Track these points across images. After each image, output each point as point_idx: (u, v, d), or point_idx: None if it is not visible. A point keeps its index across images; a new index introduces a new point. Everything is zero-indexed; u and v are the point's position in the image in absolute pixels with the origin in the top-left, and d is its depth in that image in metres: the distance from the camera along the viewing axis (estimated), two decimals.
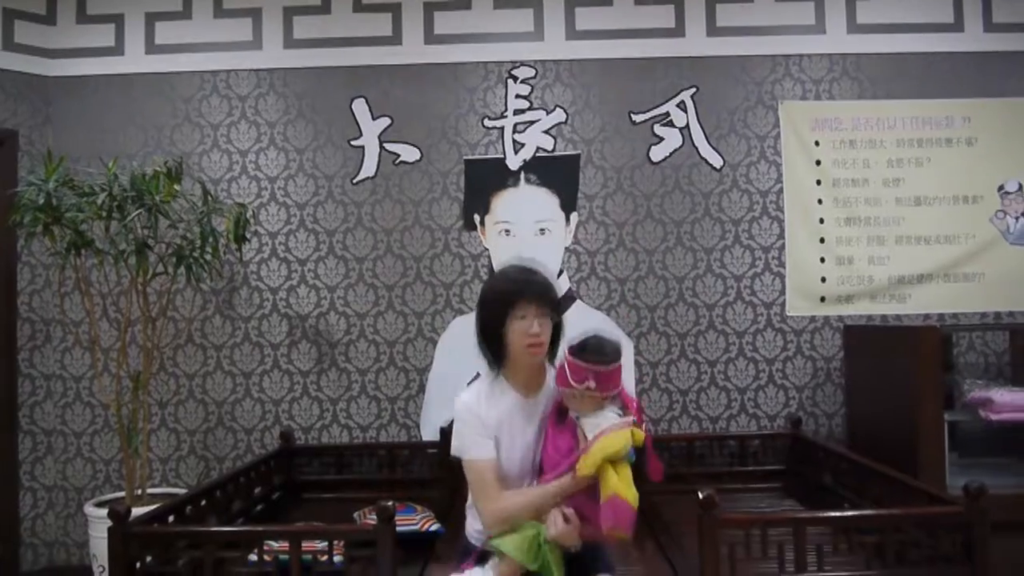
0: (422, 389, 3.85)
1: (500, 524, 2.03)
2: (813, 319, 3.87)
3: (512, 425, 2.11)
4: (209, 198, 3.40)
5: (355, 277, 3.89)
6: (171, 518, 2.62)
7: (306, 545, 2.32)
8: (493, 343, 2.10)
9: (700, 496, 2.24)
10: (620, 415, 2.03)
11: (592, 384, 1.97)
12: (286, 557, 2.27)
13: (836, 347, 3.84)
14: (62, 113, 3.93)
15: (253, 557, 2.45)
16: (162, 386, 3.88)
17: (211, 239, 3.28)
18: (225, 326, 3.90)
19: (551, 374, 2.16)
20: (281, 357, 3.89)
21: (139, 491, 3.39)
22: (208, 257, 3.35)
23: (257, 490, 3.42)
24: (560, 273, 3.85)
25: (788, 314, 3.86)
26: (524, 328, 2.02)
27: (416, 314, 3.86)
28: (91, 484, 3.88)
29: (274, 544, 2.43)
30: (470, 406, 2.11)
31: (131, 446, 3.31)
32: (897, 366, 3.26)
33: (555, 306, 2.13)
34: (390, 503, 2.27)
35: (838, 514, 2.52)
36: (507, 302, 2.04)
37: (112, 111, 3.93)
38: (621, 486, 1.89)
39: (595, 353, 2.01)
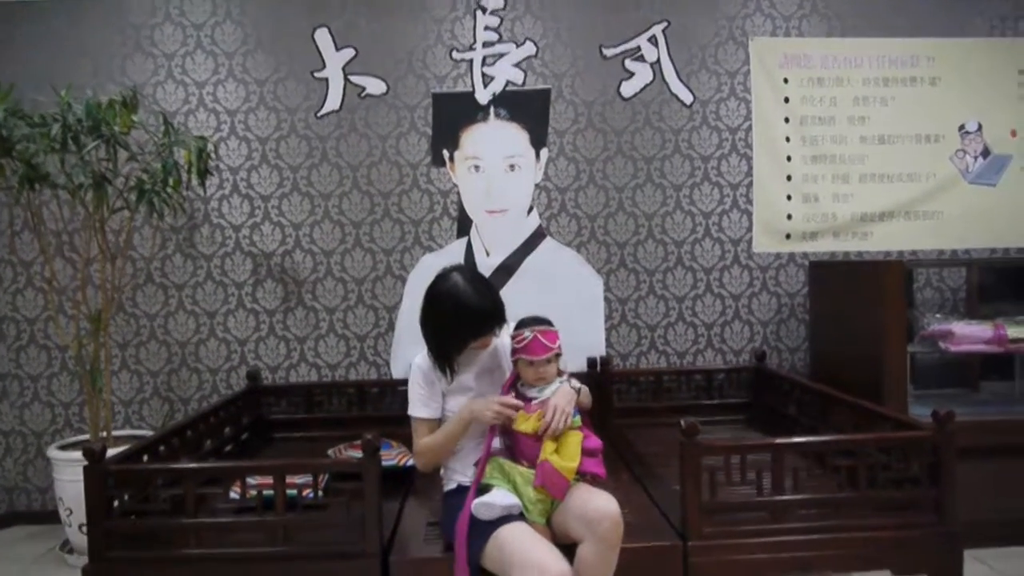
0: (391, 327, 3.82)
1: (422, 457, 2.32)
2: (778, 256, 3.92)
3: (471, 386, 2.34)
4: (171, 129, 3.26)
5: (321, 214, 3.80)
6: (144, 458, 2.57)
7: (288, 480, 2.30)
8: (445, 353, 2.28)
9: (683, 424, 2.28)
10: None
11: (558, 343, 2.23)
12: (270, 493, 2.25)
13: (800, 283, 3.92)
14: (7, 40, 3.70)
15: (234, 494, 2.42)
16: (123, 327, 3.77)
17: (174, 173, 3.15)
18: (187, 265, 3.79)
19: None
20: (246, 296, 3.81)
21: (103, 434, 3.31)
22: (170, 192, 3.22)
23: (227, 430, 3.37)
24: (530, 210, 3.83)
25: (755, 251, 3.91)
26: (484, 345, 2.30)
27: (384, 251, 3.80)
28: (51, 428, 3.78)
29: (252, 481, 2.41)
30: (425, 372, 2.33)
31: (95, 387, 3.21)
32: (861, 301, 3.33)
33: None
34: (371, 437, 2.25)
35: (815, 439, 2.61)
36: (473, 334, 2.23)
37: (60, 39, 3.71)
38: (555, 456, 2.11)
39: (541, 318, 2.29)
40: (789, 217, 3.92)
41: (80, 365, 3.32)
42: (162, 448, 2.70)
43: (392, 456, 3.01)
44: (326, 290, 3.82)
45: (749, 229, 3.91)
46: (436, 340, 2.27)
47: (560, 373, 2.29)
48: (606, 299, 3.86)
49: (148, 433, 3.52)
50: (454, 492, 2.32)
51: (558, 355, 2.24)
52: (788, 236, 3.92)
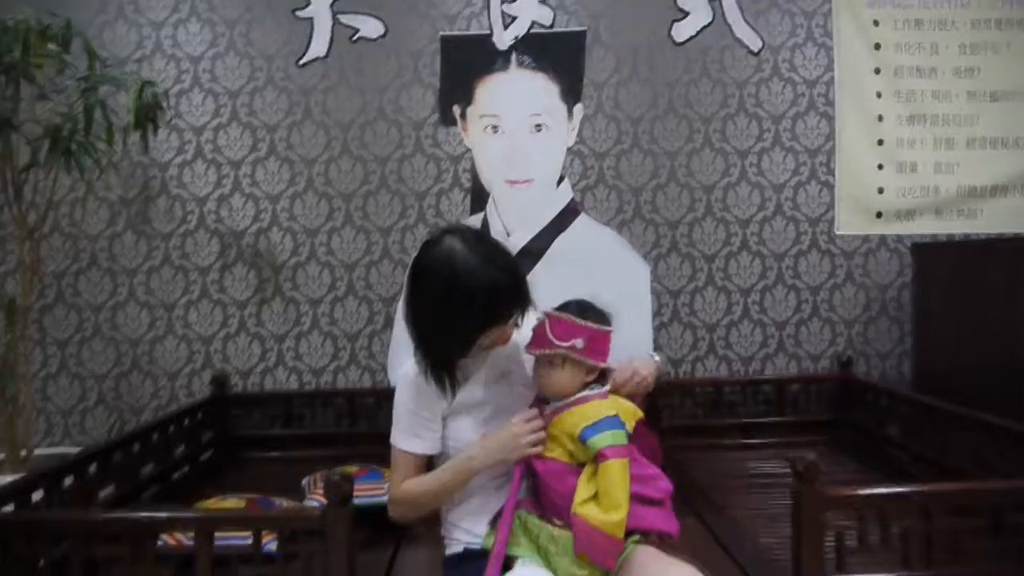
0: (389, 323, 3.10)
1: (400, 507, 1.59)
2: (867, 239, 3.17)
3: (482, 398, 1.61)
4: (97, 62, 2.56)
5: (303, 184, 3.09)
6: (37, 495, 1.86)
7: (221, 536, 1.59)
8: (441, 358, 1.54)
9: (797, 465, 1.54)
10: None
11: (580, 343, 1.47)
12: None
13: (893, 273, 3.16)
14: None
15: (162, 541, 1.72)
16: (61, 321, 3.08)
17: (102, 118, 2.45)
18: (139, 246, 3.09)
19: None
20: (211, 284, 3.11)
21: (23, 452, 2.62)
22: (98, 146, 2.52)
23: (179, 448, 2.68)
24: (561, 180, 3.10)
25: (837, 232, 3.17)
26: (500, 340, 1.55)
27: (381, 230, 3.09)
28: None
29: (162, 542, 1.71)
30: (418, 386, 1.57)
31: (4, 396, 2.52)
32: (990, 292, 2.59)
33: None
34: (344, 472, 1.54)
35: (995, 485, 1.84)
36: (482, 325, 1.48)
37: None
38: (591, 506, 1.41)
39: (590, 311, 1.54)
40: (880, 191, 3.17)
41: None
42: (69, 480, 2.00)
43: (382, 490, 2.28)
44: (309, 277, 3.11)
45: (831, 206, 3.16)
46: (428, 339, 1.53)
47: (595, 381, 1.55)
48: (654, 291, 3.12)
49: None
50: (458, 559, 1.59)
51: (564, 358, 1.48)
52: (879, 215, 3.17)
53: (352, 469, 2.41)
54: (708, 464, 2.79)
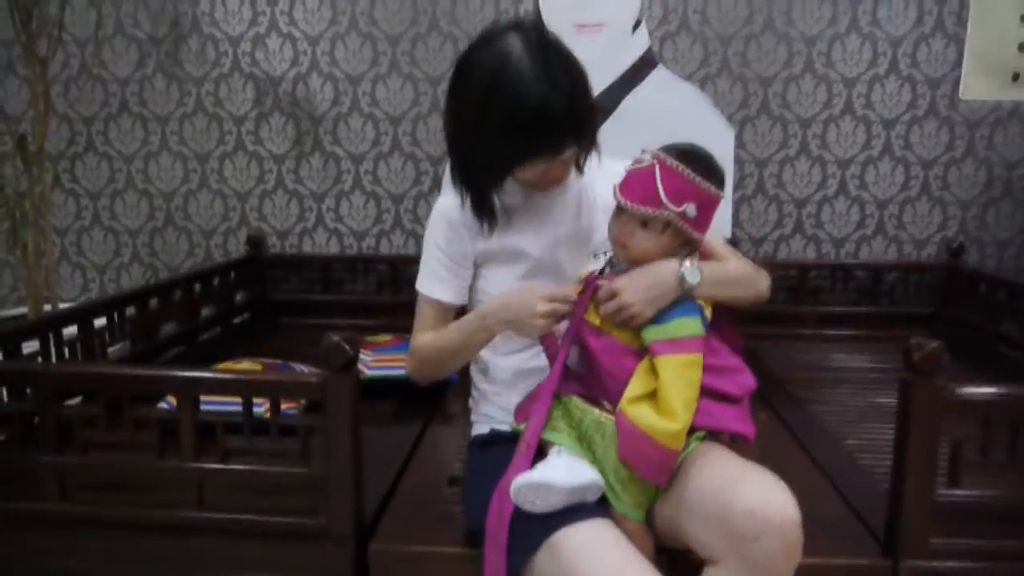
0: (437, 185, 2.81)
1: (416, 362, 1.38)
2: (998, 107, 2.68)
3: (528, 251, 1.33)
4: None
5: (345, 24, 2.75)
6: (31, 345, 1.69)
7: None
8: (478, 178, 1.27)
9: (914, 352, 1.22)
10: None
11: (692, 209, 1.15)
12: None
13: None
14: None
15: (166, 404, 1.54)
16: (92, 171, 2.89)
17: None
18: (171, 90, 2.83)
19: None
20: (247, 135, 2.85)
21: (47, 306, 2.48)
22: None
23: (204, 311, 2.50)
24: (637, 25, 2.67)
25: (962, 97, 2.68)
26: (552, 177, 1.27)
27: (430, 79, 2.75)
28: None
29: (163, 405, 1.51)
30: (451, 220, 1.33)
31: (17, 241, 2.35)
32: None
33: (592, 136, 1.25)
34: (350, 335, 1.28)
35: None
36: (525, 146, 1.17)
37: None
38: (643, 405, 1.11)
39: (706, 164, 1.18)
40: (1021, 48, 2.65)
41: (5, 204, 2.41)
42: (78, 332, 1.82)
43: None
44: (351, 131, 2.82)
45: (957, 64, 2.66)
46: (460, 156, 1.25)
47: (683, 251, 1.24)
48: (737, 159, 2.73)
49: None
50: (485, 442, 1.35)
51: (667, 223, 1.16)
52: (1015, 77, 2.67)
53: (385, 338, 2.20)
54: (785, 354, 2.48)
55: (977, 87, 2.68)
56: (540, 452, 1.18)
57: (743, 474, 1.06)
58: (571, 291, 1.21)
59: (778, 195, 2.77)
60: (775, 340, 2.59)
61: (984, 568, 1.27)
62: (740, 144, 2.72)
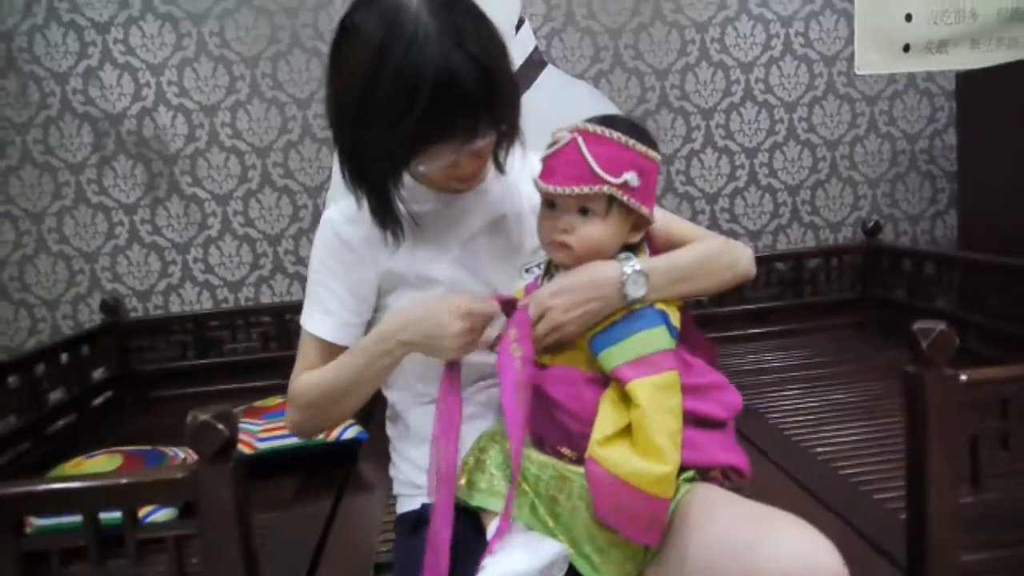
0: (317, 219, 2.48)
1: (289, 411, 1.08)
2: (893, 79, 2.62)
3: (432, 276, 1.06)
4: None
5: (192, 47, 2.41)
6: None
7: None
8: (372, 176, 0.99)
9: (921, 339, 1.01)
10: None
11: (634, 179, 0.92)
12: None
13: (924, 119, 2.64)
14: None
15: None
16: None
17: None
18: None
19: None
20: (88, 184, 2.45)
21: None
22: None
23: (54, 394, 2.08)
24: (520, 25, 2.46)
25: (858, 72, 2.61)
26: (452, 166, 0.98)
27: (298, 101, 2.44)
28: None
29: None
30: (340, 234, 1.06)
31: None
32: None
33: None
34: (224, 409, 0.96)
35: None
36: (429, 127, 0.90)
37: None
38: (614, 448, 0.86)
39: (633, 127, 0.97)
40: (908, 18, 2.60)
41: None
42: None
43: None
44: (213, 168, 2.47)
45: (850, 40, 2.59)
46: (351, 139, 0.96)
47: (634, 247, 1.00)
48: None
49: None
50: (416, 520, 1.06)
51: (611, 200, 0.93)
52: (906, 48, 2.62)
53: (276, 401, 1.86)
54: (730, 365, 2.29)
55: (871, 61, 2.61)
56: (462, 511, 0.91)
57: (767, 524, 0.81)
58: (492, 305, 0.95)
59: (688, 192, 2.60)
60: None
61: None
62: None
